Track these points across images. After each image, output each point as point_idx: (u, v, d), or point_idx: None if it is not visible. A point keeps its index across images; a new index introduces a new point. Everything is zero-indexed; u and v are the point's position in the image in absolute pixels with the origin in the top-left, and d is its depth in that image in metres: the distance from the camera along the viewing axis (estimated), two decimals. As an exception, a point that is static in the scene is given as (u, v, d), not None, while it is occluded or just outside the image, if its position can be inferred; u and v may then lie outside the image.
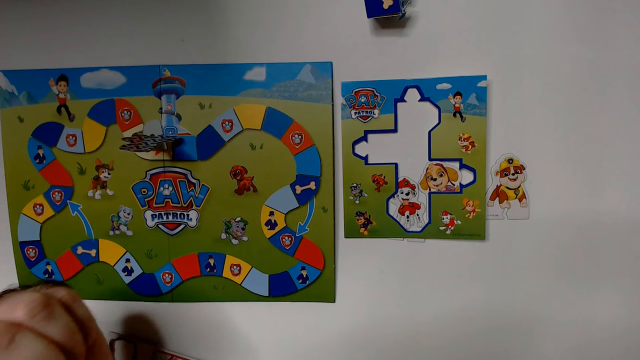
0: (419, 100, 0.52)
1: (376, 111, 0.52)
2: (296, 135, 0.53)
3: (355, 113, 0.53)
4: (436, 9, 0.51)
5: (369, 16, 0.49)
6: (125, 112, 0.55)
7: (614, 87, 0.50)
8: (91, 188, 0.57)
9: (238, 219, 0.55)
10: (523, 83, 0.51)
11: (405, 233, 0.54)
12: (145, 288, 0.58)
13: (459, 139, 0.52)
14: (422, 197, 0.53)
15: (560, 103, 0.51)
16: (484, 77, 0.50)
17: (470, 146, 0.52)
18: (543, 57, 0.51)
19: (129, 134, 0.55)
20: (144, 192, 0.56)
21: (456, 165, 0.52)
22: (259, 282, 0.56)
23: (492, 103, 0.52)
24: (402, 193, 0.53)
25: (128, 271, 0.58)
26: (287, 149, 0.54)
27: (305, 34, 0.53)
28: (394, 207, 0.54)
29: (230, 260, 0.56)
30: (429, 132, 0.52)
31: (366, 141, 0.53)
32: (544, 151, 0.52)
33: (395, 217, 0.54)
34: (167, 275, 0.57)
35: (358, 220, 0.54)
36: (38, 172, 0.57)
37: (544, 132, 0.51)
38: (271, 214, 0.55)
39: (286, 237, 0.55)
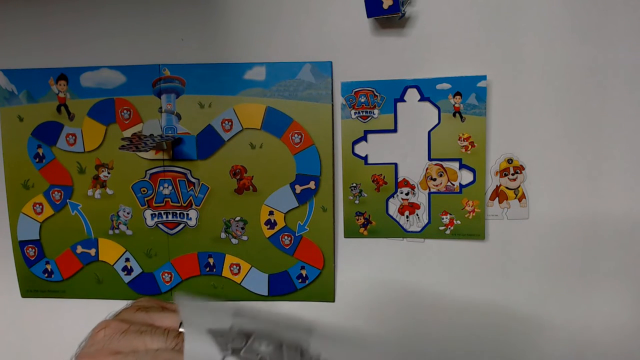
0: (419, 100, 0.52)
1: (376, 111, 0.52)
2: (296, 135, 0.53)
3: (355, 113, 0.53)
4: (436, 9, 0.51)
5: (369, 16, 0.49)
6: (125, 111, 0.55)
7: (614, 87, 0.50)
8: (91, 187, 0.57)
9: (238, 218, 0.55)
10: (523, 83, 0.51)
11: (404, 233, 0.54)
12: (145, 287, 0.58)
13: (459, 139, 0.52)
14: (421, 197, 0.53)
15: (560, 103, 0.51)
16: (483, 77, 0.50)
17: (470, 146, 0.52)
18: (543, 57, 0.51)
19: (128, 133, 0.55)
20: (144, 191, 0.56)
21: (456, 165, 0.52)
22: (259, 282, 0.56)
23: (492, 103, 0.52)
24: (401, 193, 0.53)
25: (128, 270, 0.58)
26: (287, 148, 0.54)
27: (305, 34, 0.53)
28: (393, 207, 0.54)
29: (229, 259, 0.56)
30: (429, 132, 0.52)
31: (366, 141, 0.53)
32: (544, 151, 0.52)
33: (394, 217, 0.54)
34: (166, 274, 0.57)
35: (358, 220, 0.54)
36: (38, 171, 0.57)
37: (544, 132, 0.51)
38: (271, 213, 0.55)
39: (286, 237, 0.55)
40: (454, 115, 0.51)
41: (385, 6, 0.48)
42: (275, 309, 0.57)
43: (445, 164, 0.52)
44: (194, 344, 0.24)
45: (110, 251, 0.57)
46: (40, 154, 0.57)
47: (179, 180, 0.55)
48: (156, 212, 0.56)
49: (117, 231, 0.57)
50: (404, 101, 0.52)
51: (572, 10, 0.50)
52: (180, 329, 0.37)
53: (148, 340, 0.33)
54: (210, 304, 0.24)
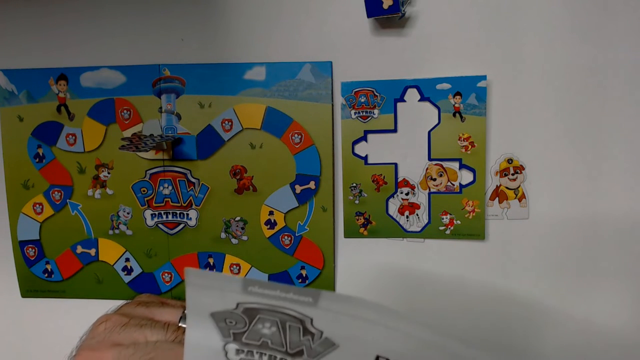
0: (419, 100, 0.52)
1: (376, 111, 0.52)
2: (296, 135, 0.53)
3: (355, 113, 0.53)
4: (436, 9, 0.51)
5: (369, 16, 0.49)
6: (125, 111, 0.55)
7: (614, 87, 0.50)
8: (91, 187, 0.57)
9: (238, 218, 0.55)
10: (523, 83, 0.51)
11: (404, 233, 0.54)
12: (145, 287, 0.58)
13: (459, 139, 0.52)
14: (421, 197, 0.53)
15: (560, 103, 0.51)
16: (484, 77, 0.50)
17: (470, 146, 0.52)
18: (543, 57, 0.51)
19: (128, 133, 0.55)
20: (144, 191, 0.56)
21: (456, 165, 0.52)
22: (259, 282, 0.56)
23: (492, 103, 0.52)
24: (401, 193, 0.53)
25: (128, 270, 0.58)
26: (287, 148, 0.54)
27: (305, 34, 0.53)
28: (393, 207, 0.54)
29: (229, 259, 0.56)
30: (429, 132, 0.52)
31: (366, 141, 0.53)
32: (544, 151, 0.52)
33: (394, 217, 0.54)
34: (166, 274, 0.57)
35: (357, 220, 0.54)
36: (38, 171, 0.57)
37: (544, 132, 0.51)
38: (271, 213, 0.55)
39: (286, 237, 0.55)
40: (454, 115, 0.51)
41: (385, 6, 0.48)
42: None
43: (445, 164, 0.52)
44: (195, 332, 0.24)
45: (110, 251, 0.57)
46: (40, 154, 0.57)
47: (179, 180, 0.56)
48: (156, 212, 0.56)
49: (117, 231, 0.57)
50: (404, 101, 0.52)
51: (572, 10, 0.50)
52: (180, 324, 0.37)
53: (148, 333, 0.33)
54: (219, 277, 0.24)
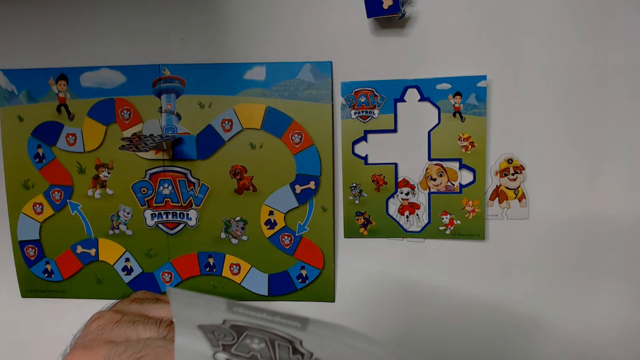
0: (419, 100, 0.52)
1: (376, 111, 0.52)
2: (296, 135, 0.53)
3: (355, 113, 0.53)
4: (436, 9, 0.51)
5: (369, 16, 0.49)
6: (125, 111, 0.55)
7: (614, 87, 0.50)
8: (91, 187, 0.57)
9: (238, 218, 0.55)
10: (523, 83, 0.51)
11: (404, 233, 0.54)
12: (145, 287, 0.58)
13: (459, 139, 0.52)
14: (421, 197, 0.53)
15: (560, 103, 0.51)
16: (483, 77, 0.50)
17: (470, 146, 0.52)
18: (543, 57, 0.51)
19: (128, 133, 0.55)
20: (144, 191, 0.56)
21: (456, 165, 0.52)
22: (259, 282, 0.56)
23: (492, 103, 0.52)
24: (401, 193, 0.53)
25: (128, 270, 0.58)
26: (287, 148, 0.54)
27: (305, 34, 0.53)
28: (393, 207, 0.54)
29: (229, 259, 0.56)
30: (429, 132, 0.52)
31: (366, 141, 0.53)
32: (544, 151, 0.52)
33: (394, 217, 0.54)
34: (166, 274, 0.57)
35: (358, 220, 0.54)
36: (38, 171, 0.57)
37: (544, 132, 0.51)
38: (271, 213, 0.55)
39: (286, 237, 0.55)
40: (454, 115, 0.51)
41: (385, 6, 0.48)
42: (275, 308, 0.57)
43: (445, 164, 0.52)
44: (184, 339, 0.24)
45: (110, 251, 0.57)
46: (40, 154, 0.57)
47: (179, 180, 0.56)
48: (156, 212, 0.56)
49: (117, 231, 0.57)
50: (404, 101, 0.52)
51: (572, 10, 0.50)
52: (174, 319, 0.37)
53: (140, 330, 0.33)
54: (203, 297, 0.24)
